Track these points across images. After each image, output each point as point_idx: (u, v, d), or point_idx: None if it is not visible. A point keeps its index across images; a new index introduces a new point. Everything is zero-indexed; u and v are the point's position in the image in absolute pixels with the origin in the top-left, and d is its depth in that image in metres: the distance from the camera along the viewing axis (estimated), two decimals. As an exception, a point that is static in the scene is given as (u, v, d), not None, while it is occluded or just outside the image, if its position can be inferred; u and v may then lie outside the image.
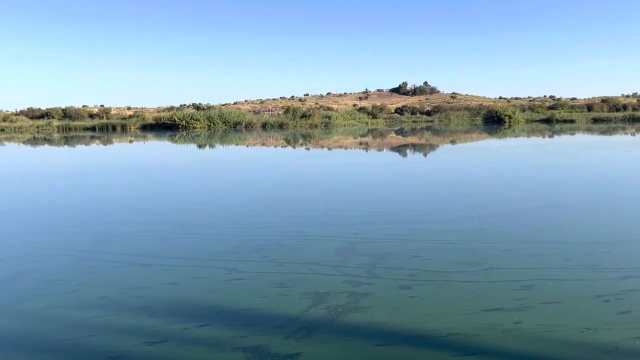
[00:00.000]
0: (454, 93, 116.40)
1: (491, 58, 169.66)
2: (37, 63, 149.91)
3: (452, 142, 31.20)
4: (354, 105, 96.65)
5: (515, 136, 36.61)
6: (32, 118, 64.76)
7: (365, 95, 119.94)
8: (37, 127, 58.41)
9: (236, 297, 4.92)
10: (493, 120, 63.90)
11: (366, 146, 28.73)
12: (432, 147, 27.12)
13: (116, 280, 5.51)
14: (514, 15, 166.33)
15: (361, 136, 40.67)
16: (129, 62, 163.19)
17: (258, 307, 4.65)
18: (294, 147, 29.05)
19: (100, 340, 4.05)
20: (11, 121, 60.76)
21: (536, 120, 66.75)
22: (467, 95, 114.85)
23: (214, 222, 8.28)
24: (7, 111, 68.31)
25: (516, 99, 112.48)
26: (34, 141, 40.24)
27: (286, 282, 5.30)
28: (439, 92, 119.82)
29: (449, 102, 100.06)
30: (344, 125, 59.77)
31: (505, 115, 62.48)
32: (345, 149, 26.87)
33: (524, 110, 75.56)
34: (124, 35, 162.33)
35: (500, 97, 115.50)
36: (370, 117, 72.21)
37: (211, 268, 5.84)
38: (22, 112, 67.94)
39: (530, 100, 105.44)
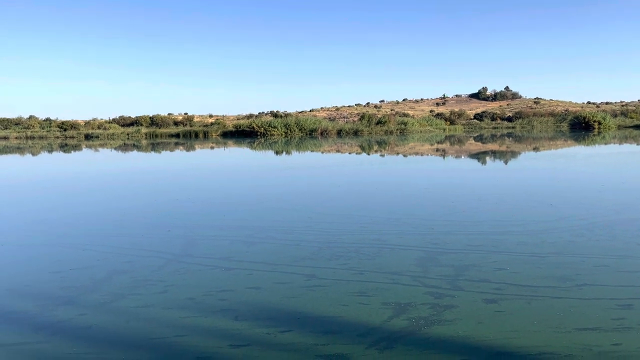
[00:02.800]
0: (537, 98, 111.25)
1: (578, 61, 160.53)
2: (128, 75, 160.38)
3: (536, 149, 29.76)
4: (431, 111, 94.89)
5: (606, 143, 34.30)
6: (123, 125, 69.21)
7: (443, 100, 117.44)
8: (128, 134, 62.34)
9: (316, 304, 4.95)
10: (580, 126, 60.34)
11: (443, 153, 28.08)
12: (514, 154, 26.00)
13: (202, 282, 5.73)
14: (604, 16, 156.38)
15: (438, 143, 39.83)
16: (211, 73, 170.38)
17: (338, 315, 4.65)
18: (368, 154, 28.96)
19: (188, 340, 4.22)
20: (105, 129, 65.30)
21: (629, 127, 62.26)
22: (551, 100, 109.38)
23: (293, 227, 8.40)
24: (102, 119, 73.51)
25: (606, 103, 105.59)
26: (124, 147, 42.94)
27: (366, 291, 5.26)
28: (521, 97, 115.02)
29: (531, 108, 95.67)
30: (420, 132, 58.84)
31: (594, 121, 58.83)
32: (422, 155, 26.41)
33: (615, 116, 70.72)
34: (206, 49, 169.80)
35: (589, 102, 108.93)
36: (448, 123, 70.60)
37: (291, 274, 5.92)
38: (114, 120, 72.84)
39: (622, 105, 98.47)
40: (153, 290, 5.49)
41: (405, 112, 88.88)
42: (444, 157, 24.94)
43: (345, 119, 72.35)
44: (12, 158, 32.15)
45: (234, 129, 60.64)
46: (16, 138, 62.29)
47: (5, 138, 62.41)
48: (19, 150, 41.05)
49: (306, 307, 4.88)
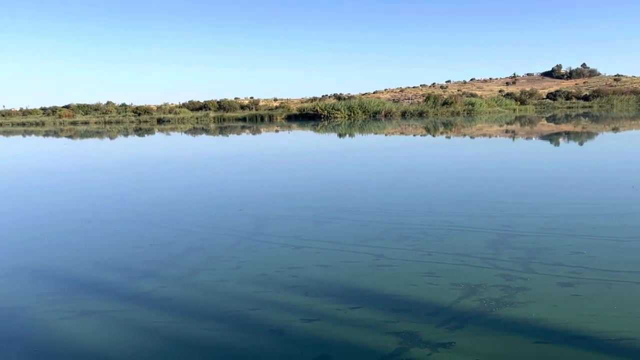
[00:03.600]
0: (617, 75, 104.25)
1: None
2: (196, 60, 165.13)
3: (615, 129, 28.04)
4: (500, 91, 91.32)
5: (697, 122, 31.73)
6: (192, 110, 71.67)
7: (513, 80, 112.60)
8: (197, 118, 64.51)
9: (385, 282, 5.00)
10: (667, 104, 56.05)
11: (513, 134, 27.05)
12: (591, 135, 24.63)
13: (273, 259, 5.92)
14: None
15: (507, 124, 38.40)
16: (276, 56, 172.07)
17: (407, 294, 4.67)
18: (434, 136, 28.41)
19: (262, 313, 4.40)
20: (175, 113, 67.89)
21: None
22: (634, 77, 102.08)
23: (360, 208, 8.46)
24: (172, 104, 76.46)
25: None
26: (193, 131, 44.52)
27: (435, 272, 5.25)
28: (599, 74, 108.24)
29: (611, 86, 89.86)
30: (489, 113, 56.88)
31: (682, 99, 54.43)
32: (490, 137, 25.59)
33: None
34: (270, 33, 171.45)
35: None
36: (518, 103, 67.74)
37: (359, 253, 5.99)
38: (184, 105, 75.56)
39: None
40: (227, 265, 5.74)
41: (473, 92, 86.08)
42: (513, 139, 24.04)
43: (410, 101, 71.11)
44: (93, 142, 34.20)
45: (298, 112, 61.21)
46: (95, 123, 66.09)
47: (86, 123, 66.36)
48: (98, 134, 43.58)
49: (375, 285, 4.94)
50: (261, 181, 12.39)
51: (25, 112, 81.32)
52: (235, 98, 78.42)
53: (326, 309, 4.42)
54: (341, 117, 54.28)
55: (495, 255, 5.68)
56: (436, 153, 18.54)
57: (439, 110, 56.37)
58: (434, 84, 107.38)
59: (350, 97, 73.04)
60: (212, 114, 66.22)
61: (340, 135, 32.47)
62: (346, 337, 3.88)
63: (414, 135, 29.65)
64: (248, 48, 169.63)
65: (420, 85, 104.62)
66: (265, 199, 9.82)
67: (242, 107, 71.74)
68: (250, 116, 62.59)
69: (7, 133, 50.50)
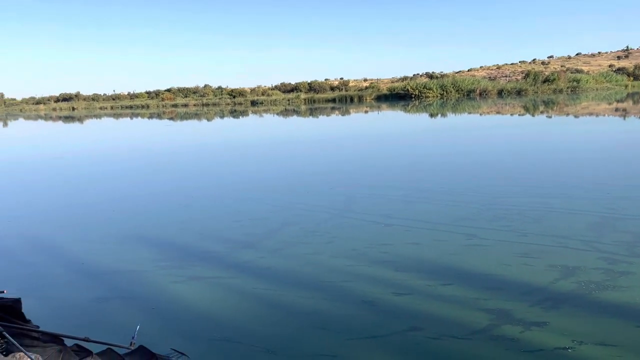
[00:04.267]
0: None
1: None
2: (291, 44, 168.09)
3: None
4: (610, 66, 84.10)
5: None
6: (284, 92, 73.34)
7: (625, 53, 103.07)
8: (288, 100, 65.97)
9: (477, 261, 4.97)
10: None
11: (624, 113, 24.99)
12: None
13: (363, 235, 6.08)
14: None
15: (618, 101, 35.48)
16: (365, 36, 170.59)
17: (500, 274, 4.63)
18: (533, 115, 26.95)
19: (354, 285, 4.57)
20: (268, 95, 69.87)
21: None
22: None
23: (451, 188, 8.36)
24: (265, 86, 78.67)
25: None
26: (285, 113, 45.64)
27: (530, 253, 5.13)
28: None
29: None
30: (596, 90, 52.79)
31: None
32: (597, 116, 23.84)
33: None
34: (358, 13, 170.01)
35: None
36: (631, 79, 62.12)
37: (451, 232, 5.98)
38: (276, 87, 77.50)
39: None
40: (320, 240, 5.98)
41: (579, 67, 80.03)
42: (624, 118, 22.22)
43: (507, 78, 67.65)
44: (192, 123, 36.25)
45: (387, 92, 60.57)
46: (194, 105, 69.75)
47: (186, 105, 70.23)
48: (197, 116, 46.03)
49: (467, 264, 4.93)
50: (349, 161, 12.57)
51: (132, 96, 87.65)
52: (326, 79, 78.98)
53: (416, 284, 4.51)
54: (433, 97, 52.99)
55: (598, 238, 5.43)
56: (534, 133, 17.64)
57: (539, 88, 53.20)
58: (534, 60, 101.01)
59: (442, 76, 70.88)
60: (302, 95, 67.37)
61: (431, 115, 31.81)
62: (437, 311, 3.95)
63: (511, 114, 28.32)
64: (339, 29, 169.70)
65: (519, 62, 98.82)
66: (354, 178, 9.98)
67: (332, 88, 72.22)
68: (340, 97, 62.90)
69: (117, 116, 54.81)
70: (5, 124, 47.03)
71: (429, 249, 5.45)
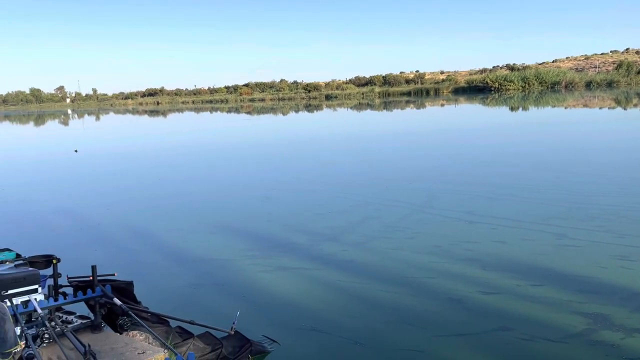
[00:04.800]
0: None
1: None
2: (365, 39, 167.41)
3: None
4: None
5: None
6: (358, 85, 73.22)
7: None
8: (362, 94, 65.81)
9: (569, 263, 4.77)
10: None
11: None
12: None
13: (446, 232, 6.00)
14: None
15: None
16: (441, 28, 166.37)
17: (595, 277, 4.42)
18: (625, 108, 25.20)
19: (438, 282, 4.54)
20: (342, 89, 70.06)
21: None
22: None
23: (537, 185, 8.05)
24: (339, 80, 78.88)
25: None
26: (358, 107, 45.60)
27: (628, 255, 4.85)
28: None
29: None
30: (699, 81, 48.43)
31: None
32: (701, 109, 21.91)
33: None
34: (437, 5, 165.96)
35: None
36: None
37: (539, 231, 5.77)
38: (350, 81, 77.46)
39: None
40: (401, 235, 5.98)
41: (678, 56, 73.54)
42: None
43: (597, 69, 63.50)
44: (269, 117, 37.14)
45: (465, 85, 58.88)
46: (270, 99, 71.35)
47: (262, 100, 71.99)
48: (272, 110, 47.06)
49: (558, 265, 4.75)
50: (426, 156, 12.39)
51: (212, 91, 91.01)
52: (401, 72, 77.83)
53: (505, 284, 4.40)
54: (514, 89, 50.85)
55: None
56: (629, 128, 16.51)
57: (633, 79, 49.54)
58: (627, 49, 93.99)
59: (524, 67, 67.58)
60: (377, 89, 66.98)
61: (512, 109, 30.60)
62: (527, 312, 3.85)
63: (600, 107, 26.64)
64: (413, 22, 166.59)
65: (611, 52, 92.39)
66: (433, 173, 9.85)
67: (407, 82, 71.18)
68: (416, 90, 61.91)
69: (197, 110, 57.19)
70: (98, 118, 50.49)
71: (516, 248, 5.29)
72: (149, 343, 2.93)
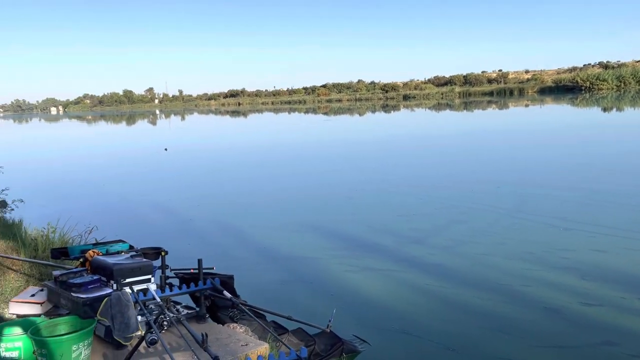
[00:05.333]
0: None
1: None
2: (444, 38, 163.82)
3: None
4: None
5: None
6: (437, 85, 71.67)
7: None
8: (442, 94, 64.38)
9: (682, 276, 4.42)
10: None
11: None
12: None
13: (539, 238, 5.75)
14: None
15: None
16: (526, 25, 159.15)
17: None
18: None
19: (534, 291, 4.36)
20: (420, 89, 68.92)
21: None
22: None
23: (638, 191, 7.52)
24: (418, 80, 77.62)
25: None
26: (437, 107, 44.64)
27: None
28: None
29: None
30: None
31: None
32: None
33: None
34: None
35: None
36: None
37: (644, 241, 5.39)
38: (429, 81, 75.97)
39: None
40: (491, 240, 5.80)
41: None
42: None
43: None
44: (345, 118, 37.30)
45: (552, 85, 55.97)
46: (347, 100, 71.59)
47: (339, 100, 72.40)
48: (349, 110, 47.20)
49: (668, 278, 4.41)
50: (514, 158, 11.92)
51: (290, 92, 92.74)
52: (482, 72, 75.14)
53: (607, 296, 4.15)
54: (607, 89, 47.62)
55: None
56: None
57: None
58: None
59: (620, 65, 62.97)
60: (457, 89, 65.29)
61: (605, 109, 28.70)
62: (636, 327, 3.61)
63: None
64: (495, 20, 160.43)
65: None
66: (520, 176, 9.47)
67: (489, 81, 68.73)
68: (498, 90, 59.69)
69: (276, 110, 58.53)
70: (183, 118, 53.08)
71: (618, 259, 4.97)
72: (249, 335, 3.06)
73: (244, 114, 53.40)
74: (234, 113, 57.63)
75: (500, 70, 74.15)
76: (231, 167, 13.69)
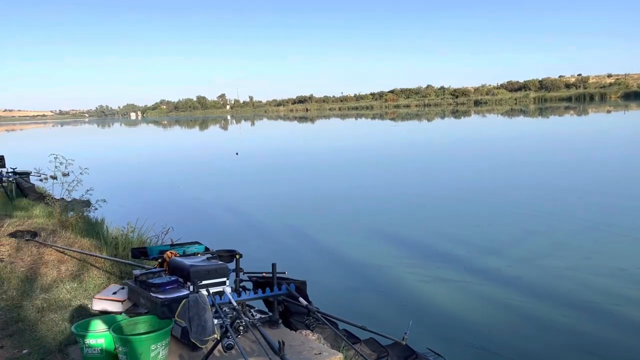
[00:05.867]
0: None
1: None
2: (516, 42, 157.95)
3: None
4: None
5: None
6: (510, 91, 69.15)
7: None
8: (515, 99, 62.05)
9: None
10: None
11: None
12: None
13: (630, 254, 5.33)
14: None
15: None
16: (607, 27, 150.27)
17: None
18: None
19: (628, 311, 4.02)
20: (493, 94, 66.76)
21: None
22: None
23: None
24: (490, 85, 75.22)
25: None
26: (510, 113, 43.00)
27: None
28: None
29: None
30: None
31: None
32: None
33: None
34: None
35: None
36: None
37: None
38: (502, 86, 73.44)
39: None
40: (576, 254, 5.43)
41: None
42: None
43: None
44: (413, 124, 36.73)
45: (638, 89, 52.39)
46: (416, 106, 70.59)
47: (407, 106, 71.51)
48: (417, 116, 46.46)
49: None
50: (597, 167, 11.19)
51: (357, 98, 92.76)
52: (560, 76, 71.60)
53: None
54: (701, 93, 43.98)
55: None
56: None
57: None
58: None
59: None
60: (532, 94, 62.67)
61: (700, 116, 26.48)
62: None
63: None
64: (576, 23, 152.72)
65: None
66: (607, 185, 8.87)
67: (567, 86, 65.44)
68: (577, 95, 56.71)
69: (343, 116, 58.66)
70: (253, 123, 54.39)
71: None
72: (321, 343, 3.00)
73: (311, 120, 53.92)
74: (302, 119, 58.32)
75: (579, 75, 70.30)
76: (300, 172, 13.79)
